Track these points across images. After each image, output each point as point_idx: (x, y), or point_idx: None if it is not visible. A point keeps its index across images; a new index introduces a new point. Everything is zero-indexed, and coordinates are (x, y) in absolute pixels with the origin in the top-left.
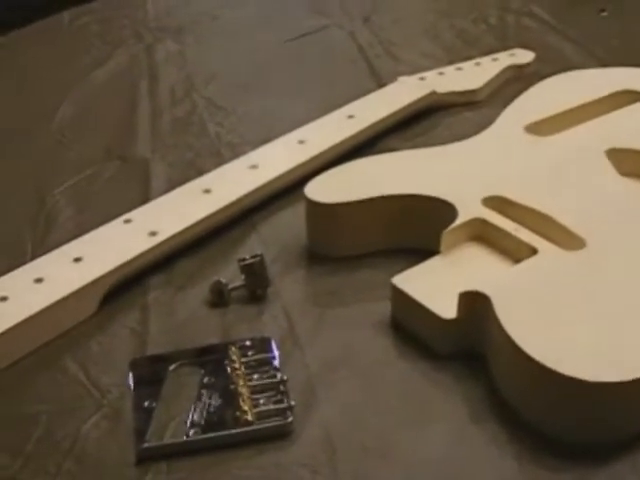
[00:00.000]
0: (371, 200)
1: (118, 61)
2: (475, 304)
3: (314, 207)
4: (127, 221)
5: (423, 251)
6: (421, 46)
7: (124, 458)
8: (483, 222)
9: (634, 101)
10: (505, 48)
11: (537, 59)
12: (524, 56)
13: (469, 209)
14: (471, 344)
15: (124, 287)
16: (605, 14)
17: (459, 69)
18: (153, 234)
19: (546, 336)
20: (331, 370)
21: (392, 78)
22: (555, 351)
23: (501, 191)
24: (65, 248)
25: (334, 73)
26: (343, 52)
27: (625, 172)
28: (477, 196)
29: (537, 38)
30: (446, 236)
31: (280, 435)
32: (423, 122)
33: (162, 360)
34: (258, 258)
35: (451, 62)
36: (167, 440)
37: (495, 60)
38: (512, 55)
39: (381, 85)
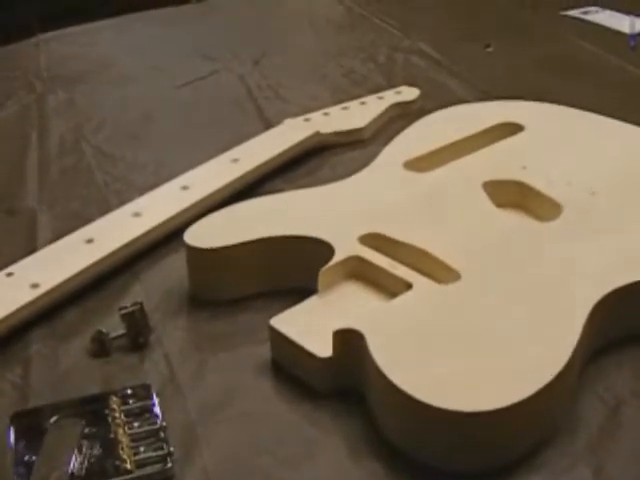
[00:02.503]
0: (249, 243)
1: (8, 112)
2: (349, 341)
3: (194, 252)
4: (9, 274)
5: (304, 291)
6: (309, 87)
7: None
8: (359, 260)
9: (514, 133)
10: (392, 86)
11: (423, 96)
12: (410, 93)
13: (345, 247)
14: (349, 381)
15: (5, 341)
16: (491, 49)
17: (345, 109)
18: (35, 286)
19: (418, 369)
20: (212, 414)
21: (280, 120)
22: (427, 384)
23: (377, 228)
24: None
25: (223, 117)
26: (232, 96)
27: (501, 203)
28: (354, 234)
29: (424, 75)
30: (323, 275)
31: None
32: (309, 163)
33: (43, 413)
34: (138, 306)
35: (339, 102)
36: None
37: (381, 98)
38: (398, 93)
39: (269, 128)
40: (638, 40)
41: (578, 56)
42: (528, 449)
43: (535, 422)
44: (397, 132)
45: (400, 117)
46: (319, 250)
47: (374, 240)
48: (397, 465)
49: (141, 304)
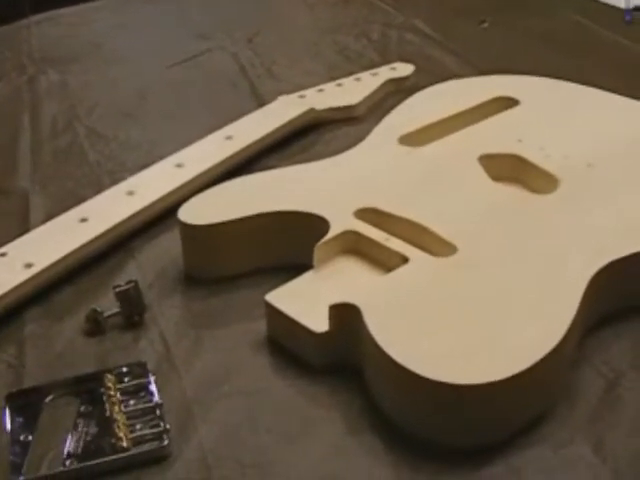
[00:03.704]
0: (244, 219)
1: (0, 94)
2: (346, 316)
3: (188, 230)
4: (2, 254)
5: (299, 267)
6: (303, 64)
7: None
8: (355, 234)
9: (509, 107)
10: (387, 62)
11: (417, 71)
12: (404, 69)
13: (341, 222)
14: (346, 356)
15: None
16: (485, 25)
17: (339, 85)
18: (29, 266)
19: (415, 343)
20: (208, 391)
21: (274, 98)
22: (424, 357)
23: (373, 202)
24: None
25: (216, 95)
26: (225, 74)
27: (497, 177)
28: (349, 209)
29: (418, 51)
30: (318, 250)
31: (157, 459)
32: (303, 139)
33: (38, 392)
34: (132, 284)
35: (333, 79)
36: (43, 472)
37: (375, 75)
38: (392, 69)
39: (262, 105)
40: (634, 15)
41: (573, 31)
42: (526, 423)
43: (533, 395)
44: (391, 108)
45: (395, 93)
46: (314, 225)
47: (370, 214)
48: (395, 439)
49: (136, 282)
